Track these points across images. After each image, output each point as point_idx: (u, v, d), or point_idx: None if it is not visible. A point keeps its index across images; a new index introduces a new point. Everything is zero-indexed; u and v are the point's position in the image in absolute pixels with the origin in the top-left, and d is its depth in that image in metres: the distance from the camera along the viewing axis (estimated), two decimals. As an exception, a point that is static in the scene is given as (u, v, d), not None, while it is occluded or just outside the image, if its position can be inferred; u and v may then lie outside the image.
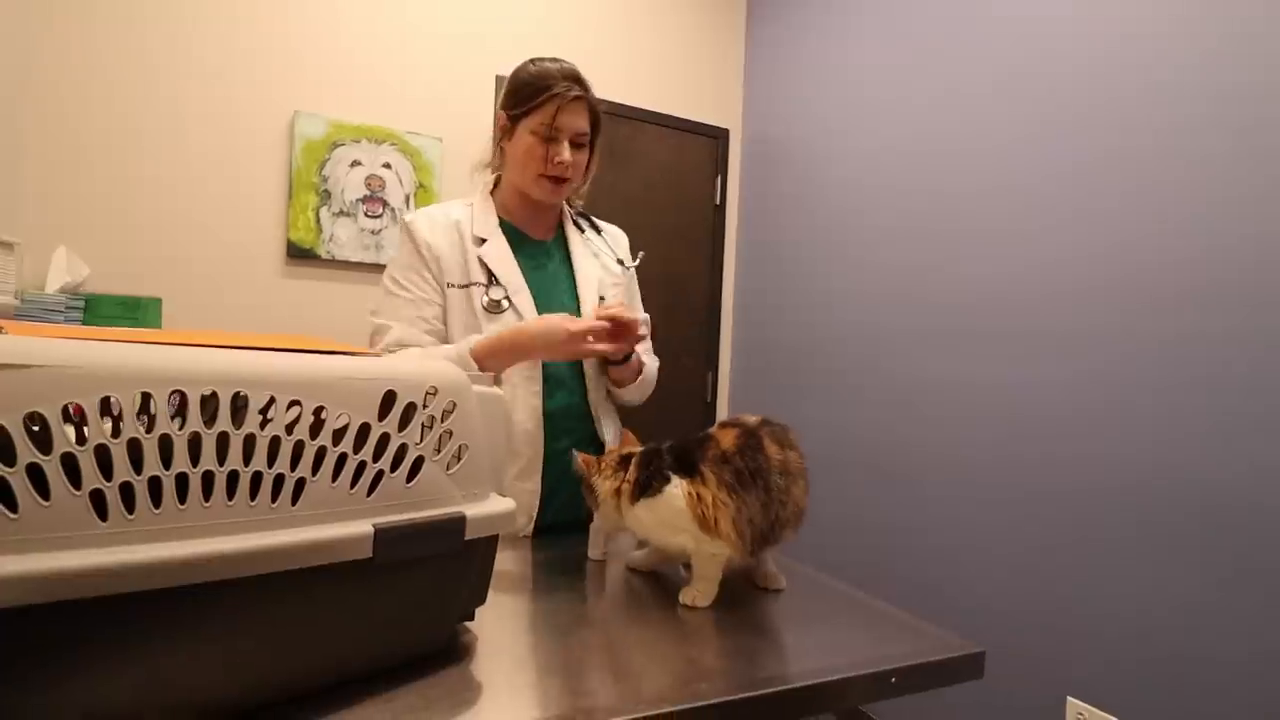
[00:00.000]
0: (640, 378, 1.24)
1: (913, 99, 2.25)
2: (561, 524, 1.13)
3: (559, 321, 1.03)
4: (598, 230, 1.32)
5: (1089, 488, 1.68)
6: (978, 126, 2.02)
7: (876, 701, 0.70)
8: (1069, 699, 1.69)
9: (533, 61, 1.16)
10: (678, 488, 0.81)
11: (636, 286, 1.36)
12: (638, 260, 1.33)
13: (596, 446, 1.19)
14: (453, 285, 1.14)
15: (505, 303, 1.13)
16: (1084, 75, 1.75)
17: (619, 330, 1.06)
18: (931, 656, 0.71)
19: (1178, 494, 1.51)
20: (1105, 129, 1.69)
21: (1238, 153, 1.45)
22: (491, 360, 1.03)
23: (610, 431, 1.22)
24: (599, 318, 1.05)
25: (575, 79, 1.13)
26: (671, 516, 0.81)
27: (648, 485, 0.82)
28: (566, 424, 1.17)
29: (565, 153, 1.13)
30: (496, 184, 1.25)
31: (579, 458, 0.89)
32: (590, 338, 1.03)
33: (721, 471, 0.80)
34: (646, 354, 1.30)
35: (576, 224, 1.29)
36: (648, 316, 1.34)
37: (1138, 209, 1.62)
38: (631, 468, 0.85)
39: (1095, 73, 1.72)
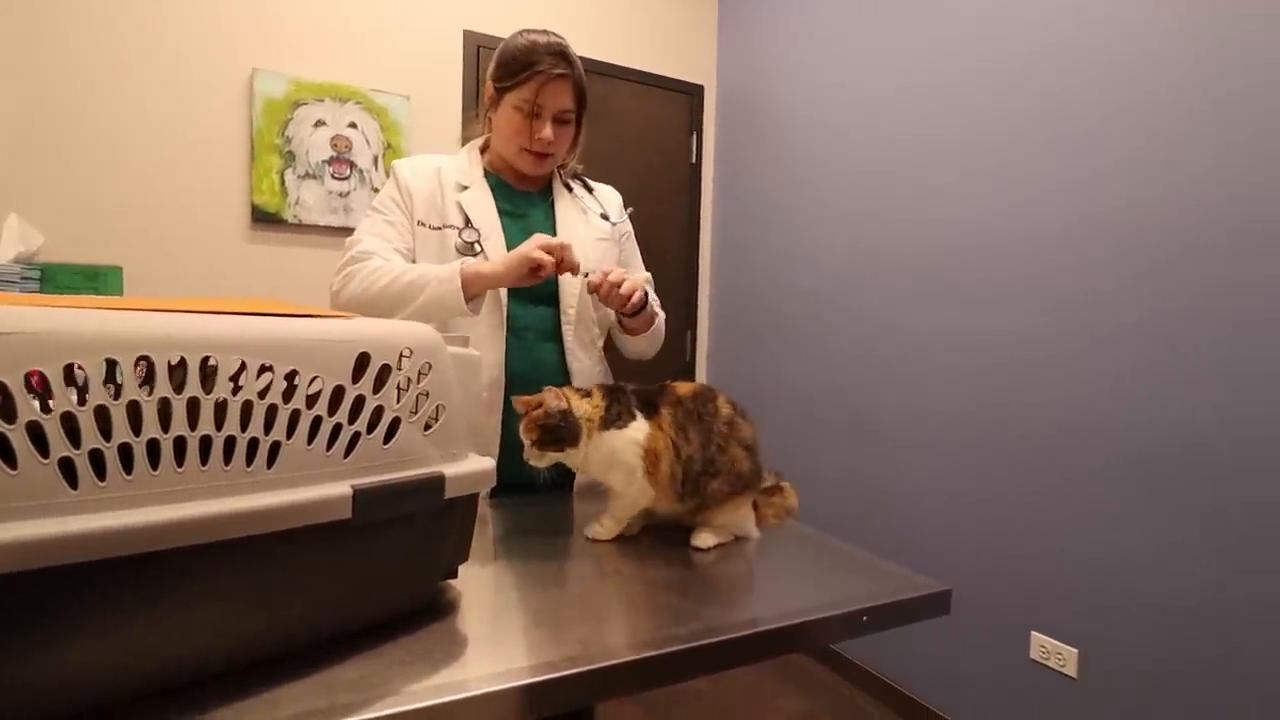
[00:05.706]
0: (653, 327, 1.27)
1: (887, 52, 2.23)
2: (516, 486, 1.07)
3: (519, 248, 1.06)
4: (589, 189, 1.33)
5: (1055, 433, 1.73)
6: (952, 79, 2.01)
7: (849, 639, 0.72)
8: (1033, 633, 1.77)
9: (522, 34, 1.15)
10: (641, 424, 0.86)
11: (634, 245, 1.37)
12: (624, 216, 1.33)
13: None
14: (424, 225, 1.17)
15: (478, 246, 1.16)
16: (1061, 24, 1.74)
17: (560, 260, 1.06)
18: (900, 595, 0.75)
19: (1139, 439, 1.57)
20: (1078, 77, 1.69)
21: (1208, 102, 1.46)
22: (475, 282, 1.06)
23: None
24: (537, 247, 1.05)
25: (562, 55, 1.13)
26: (624, 451, 0.85)
27: (616, 418, 0.86)
28: (536, 379, 1.16)
29: (547, 130, 1.14)
30: (486, 144, 1.26)
31: (548, 391, 0.86)
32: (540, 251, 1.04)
33: (675, 411, 0.86)
34: (656, 306, 1.33)
35: (566, 184, 1.30)
36: (649, 276, 1.35)
37: (1115, 160, 1.63)
38: (597, 396, 0.88)
39: (1073, 20, 1.72)
